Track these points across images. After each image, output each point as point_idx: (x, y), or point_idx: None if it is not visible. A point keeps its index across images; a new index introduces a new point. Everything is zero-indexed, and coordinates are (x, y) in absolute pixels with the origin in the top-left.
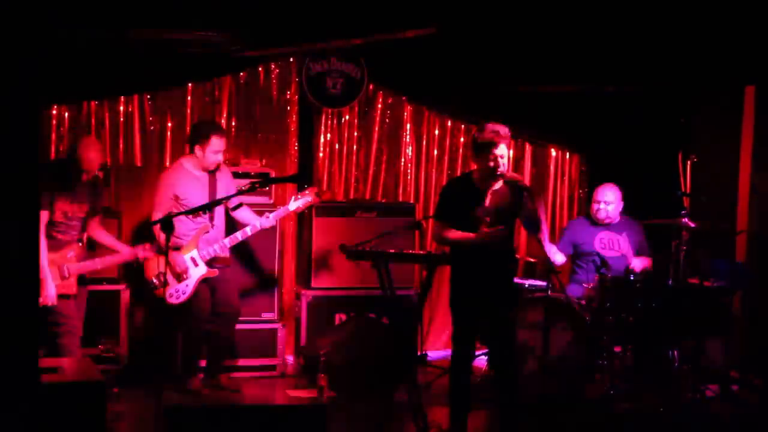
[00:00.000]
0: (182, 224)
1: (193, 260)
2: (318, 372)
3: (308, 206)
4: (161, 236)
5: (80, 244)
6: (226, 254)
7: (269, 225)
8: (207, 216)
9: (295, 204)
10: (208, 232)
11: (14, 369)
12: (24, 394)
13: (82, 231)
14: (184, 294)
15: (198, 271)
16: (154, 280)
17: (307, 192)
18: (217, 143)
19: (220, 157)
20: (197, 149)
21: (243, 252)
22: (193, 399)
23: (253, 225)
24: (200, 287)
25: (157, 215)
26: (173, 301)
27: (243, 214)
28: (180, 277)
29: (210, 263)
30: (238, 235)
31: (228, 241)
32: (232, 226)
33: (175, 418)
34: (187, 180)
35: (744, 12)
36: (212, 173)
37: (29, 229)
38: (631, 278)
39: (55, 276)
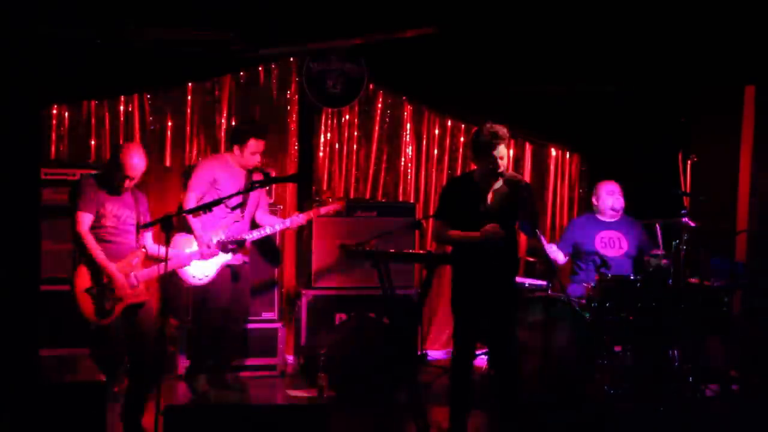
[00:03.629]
0: (218, 211)
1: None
2: (318, 372)
3: (307, 221)
4: (194, 223)
5: (143, 250)
6: (246, 248)
7: (258, 237)
8: (239, 210)
9: (291, 221)
10: (237, 221)
11: (14, 369)
12: (23, 394)
13: (137, 238)
14: (207, 277)
15: (221, 259)
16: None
17: (308, 211)
18: (254, 145)
19: (258, 159)
20: (236, 148)
21: None
22: (198, 398)
23: (241, 236)
24: (221, 280)
25: (190, 196)
26: (196, 282)
27: (260, 216)
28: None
29: (226, 248)
30: (226, 238)
31: (224, 236)
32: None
33: (175, 418)
34: (228, 170)
35: (743, 12)
36: (249, 172)
37: (30, 229)
38: (632, 278)
39: (124, 285)
